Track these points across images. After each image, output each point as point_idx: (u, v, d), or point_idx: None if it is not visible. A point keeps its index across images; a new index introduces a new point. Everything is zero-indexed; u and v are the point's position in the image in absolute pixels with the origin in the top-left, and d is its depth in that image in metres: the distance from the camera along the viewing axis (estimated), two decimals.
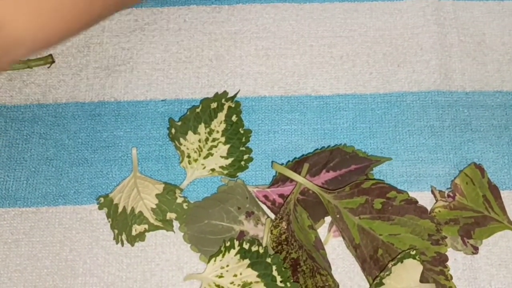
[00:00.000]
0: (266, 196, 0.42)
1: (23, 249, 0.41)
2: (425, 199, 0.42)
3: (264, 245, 0.40)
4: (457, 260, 0.41)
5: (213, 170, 0.42)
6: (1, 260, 0.41)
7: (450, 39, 0.47)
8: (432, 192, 0.42)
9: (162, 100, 0.45)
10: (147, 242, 0.41)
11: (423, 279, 0.39)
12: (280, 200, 0.41)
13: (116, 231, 0.41)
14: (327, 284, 0.39)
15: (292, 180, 0.41)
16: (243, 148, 0.43)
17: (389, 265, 0.38)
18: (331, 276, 0.39)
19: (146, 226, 0.41)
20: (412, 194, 0.40)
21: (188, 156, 0.43)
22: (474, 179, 0.42)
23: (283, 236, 0.39)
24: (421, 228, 0.39)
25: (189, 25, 0.47)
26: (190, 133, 0.43)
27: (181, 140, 0.43)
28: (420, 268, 0.38)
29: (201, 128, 0.43)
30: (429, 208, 0.41)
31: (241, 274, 0.38)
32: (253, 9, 0.48)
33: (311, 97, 0.45)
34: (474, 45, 0.47)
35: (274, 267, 0.38)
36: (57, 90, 0.45)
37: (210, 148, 0.42)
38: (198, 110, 0.43)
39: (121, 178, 0.43)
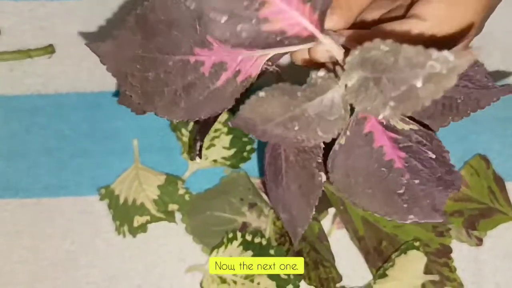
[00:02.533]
0: None
1: (24, 240, 0.41)
2: None
3: (267, 236, 0.39)
4: (461, 252, 0.41)
5: (215, 161, 0.42)
6: (2, 251, 0.41)
7: None
8: None
9: None
10: (149, 233, 0.41)
11: (427, 271, 0.38)
12: None
13: (118, 223, 0.41)
14: (330, 275, 0.39)
15: None
16: (246, 139, 0.42)
17: (393, 256, 0.38)
18: (335, 268, 0.39)
19: (148, 218, 0.41)
20: None
21: (190, 147, 0.42)
22: (479, 171, 0.41)
23: None
24: None
25: None
26: (191, 123, 0.42)
27: (183, 130, 0.42)
28: (424, 259, 0.38)
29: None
30: None
31: None
32: None
33: None
34: (479, 36, 0.46)
35: None
36: (58, 81, 0.45)
37: (212, 139, 0.42)
38: None
39: (122, 169, 0.43)
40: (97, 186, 0.42)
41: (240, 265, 0.38)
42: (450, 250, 0.39)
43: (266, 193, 0.42)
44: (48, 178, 0.42)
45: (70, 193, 0.42)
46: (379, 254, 0.39)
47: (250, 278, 0.38)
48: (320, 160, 0.29)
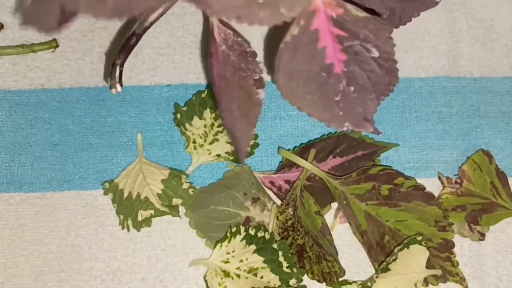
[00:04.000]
0: (272, 182, 0.42)
1: (28, 234, 0.41)
2: (432, 186, 0.42)
3: (270, 231, 0.39)
4: (463, 247, 0.41)
5: (218, 155, 0.42)
6: (7, 245, 0.41)
7: (458, 24, 0.46)
8: (440, 178, 0.42)
9: (167, 85, 0.45)
10: (152, 227, 0.41)
11: (429, 265, 0.39)
12: (286, 186, 0.41)
13: (121, 217, 0.41)
14: (333, 270, 0.39)
15: (298, 166, 0.41)
16: None
17: (395, 250, 0.38)
18: (337, 262, 0.39)
19: (152, 212, 0.41)
20: (419, 181, 0.40)
21: (194, 142, 0.42)
22: (482, 166, 0.42)
23: (289, 222, 0.39)
24: (428, 215, 0.39)
25: (194, 9, 0.47)
26: (195, 118, 0.43)
27: (187, 125, 0.43)
28: (426, 253, 0.38)
29: (207, 113, 0.43)
30: (436, 195, 0.41)
31: (247, 259, 0.38)
32: None
33: None
34: (483, 31, 0.46)
35: (280, 253, 0.38)
36: (61, 75, 0.45)
37: (216, 134, 0.42)
38: (203, 95, 0.43)
39: (126, 163, 0.43)
40: (101, 180, 0.42)
41: (244, 259, 0.38)
42: (452, 245, 0.39)
43: (270, 188, 0.42)
44: (52, 172, 0.43)
45: (74, 187, 0.42)
46: (382, 249, 0.39)
47: (253, 271, 0.38)
48: (257, 77, 0.29)
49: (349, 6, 0.28)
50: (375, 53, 0.29)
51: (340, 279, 0.39)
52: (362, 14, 0.28)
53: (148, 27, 0.30)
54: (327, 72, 0.28)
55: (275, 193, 0.42)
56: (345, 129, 0.30)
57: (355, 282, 0.39)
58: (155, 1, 0.26)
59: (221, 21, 0.31)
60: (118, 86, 0.30)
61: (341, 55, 0.28)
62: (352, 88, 0.29)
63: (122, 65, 0.31)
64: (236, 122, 0.31)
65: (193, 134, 0.42)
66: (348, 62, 0.29)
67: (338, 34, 0.28)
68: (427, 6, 0.32)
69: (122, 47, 0.31)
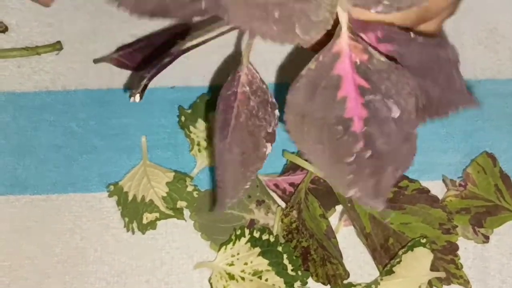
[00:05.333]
0: (276, 185, 0.42)
1: (33, 236, 0.41)
2: (437, 188, 0.42)
3: (274, 233, 0.40)
4: (467, 249, 0.41)
5: None
6: (12, 247, 0.41)
7: (462, 27, 0.46)
8: (444, 181, 0.42)
9: (171, 87, 0.45)
10: (157, 230, 0.41)
11: (433, 268, 0.39)
12: (290, 189, 0.41)
13: (126, 219, 0.41)
14: (337, 272, 0.39)
15: (303, 169, 0.41)
16: None
17: (399, 253, 0.38)
18: (342, 265, 0.39)
19: (157, 214, 0.41)
20: (423, 183, 0.40)
21: (198, 144, 0.42)
22: (486, 168, 0.42)
23: (294, 225, 0.39)
24: (432, 217, 0.39)
25: None
26: (200, 120, 0.43)
27: (191, 128, 0.43)
28: (430, 256, 0.38)
29: (211, 115, 0.43)
30: (440, 197, 0.41)
31: (251, 262, 0.39)
32: None
33: None
34: (487, 33, 0.46)
35: (285, 256, 0.38)
36: (66, 77, 0.45)
37: None
38: (208, 97, 0.43)
39: (130, 166, 0.43)
40: (106, 183, 0.42)
41: (248, 261, 0.39)
42: (456, 248, 0.39)
43: (274, 191, 0.42)
44: (56, 174, 0.43)
45: (79, 190, 0.42)
46: (386, 251, 0.39)
47: (258, 274, 0.38)
48: (270, 130, 0.27)
49: (372, 51, 0.25)
50: (396, 112, 0.25)
51: (345, 281, 0.39)
52: (385, 60, 0.24)
53: (184, 51, 0.29)
54: (344, 126, 0.25)
55: (279, 196, 0.42)
56: (349, 195, 0.26)
57: (359, 284, 0.39)
58: (190, 12, 0.24)
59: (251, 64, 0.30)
60: (137, 97, 0.30)
61: (362, 111, 0.25)
62: (369, 153, 0.25)
63: (149, 80, 0.30)
64: (232, 167, 0.28)
65: (197, 136, 0.42)
66: (368, 120, 0.25)
67: (361, 85, 0.25)
68: (467, 103, 0.28)
69: (155, 63, 0.31)
